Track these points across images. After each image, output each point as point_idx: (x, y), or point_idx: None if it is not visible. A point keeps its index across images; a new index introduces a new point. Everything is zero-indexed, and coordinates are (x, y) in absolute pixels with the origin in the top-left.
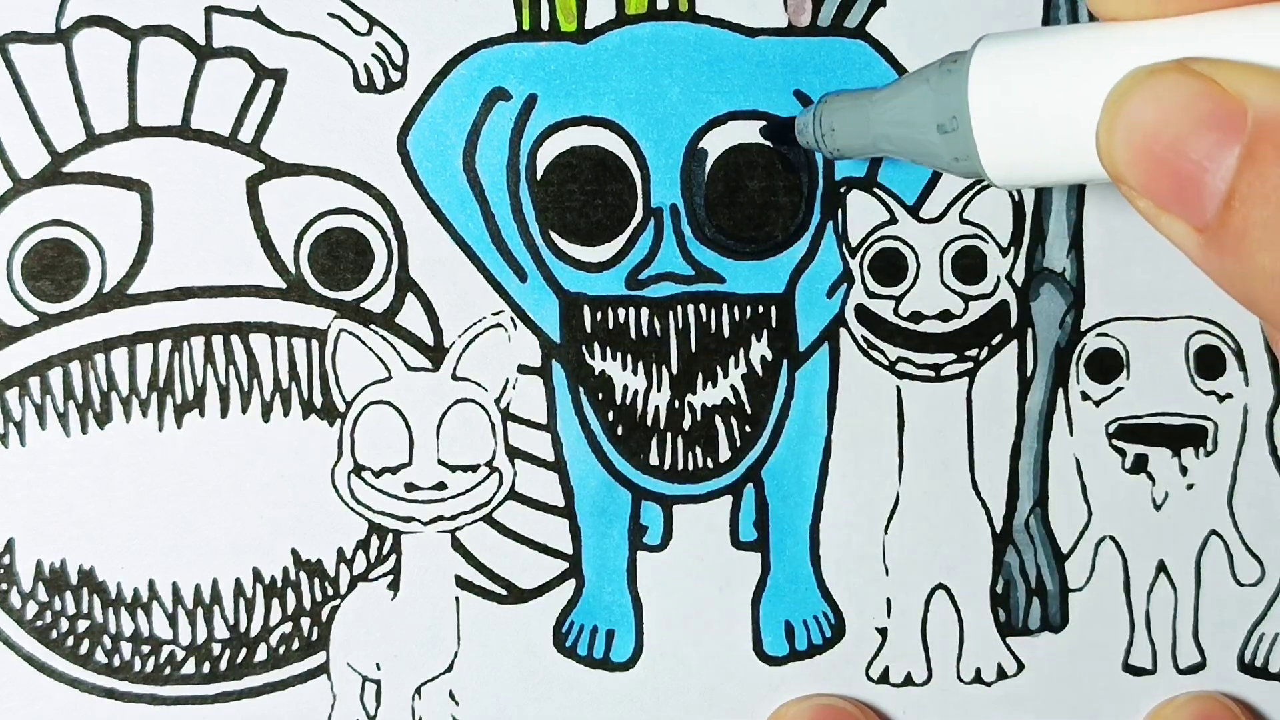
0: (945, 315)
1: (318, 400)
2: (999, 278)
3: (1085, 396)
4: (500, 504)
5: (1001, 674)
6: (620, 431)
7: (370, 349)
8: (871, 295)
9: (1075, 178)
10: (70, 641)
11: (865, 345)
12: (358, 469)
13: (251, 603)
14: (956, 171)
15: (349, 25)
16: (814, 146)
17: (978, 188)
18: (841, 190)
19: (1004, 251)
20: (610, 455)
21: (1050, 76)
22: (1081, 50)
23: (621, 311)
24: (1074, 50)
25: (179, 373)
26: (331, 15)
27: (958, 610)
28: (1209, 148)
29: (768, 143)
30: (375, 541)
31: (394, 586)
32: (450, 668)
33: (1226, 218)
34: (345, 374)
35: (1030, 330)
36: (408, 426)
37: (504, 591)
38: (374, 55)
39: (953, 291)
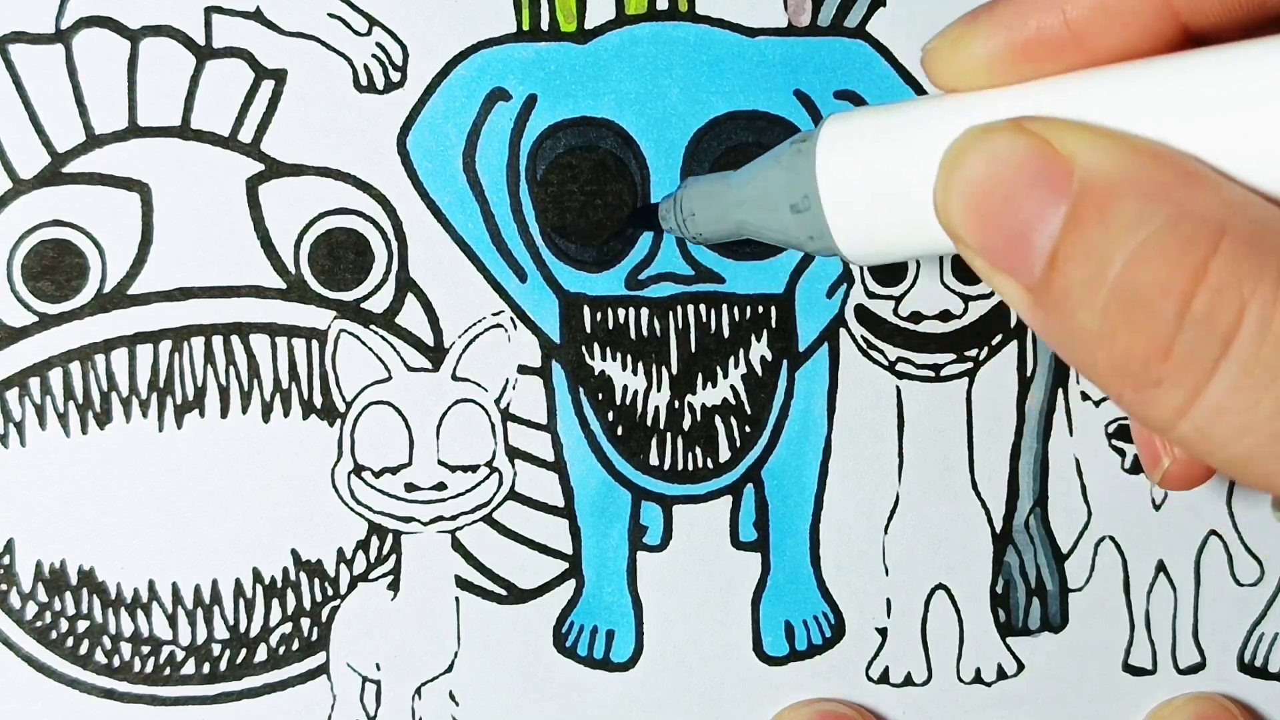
0: (945, 315)
1: (318, 400)
2: None
3: (1085, 396)
4: (500, 504)
5: (1001, 674)
6: (620, 432)
7: (370, 349)
8: (871, 295)
9: (926, 249)
10: (70, 642)
11: (865, 345)
12: (358, 469)
13: (251, 603)
14: (813, 250)
15: (349, 25)
16: (678, 232)
17: None
18: None
19: None
20: (610, 455)
21: (893, 149)
22: (921, 121)
23: (621, 312)
24: (914, 122)
25: (179, 373)
26: (331, 15)
27: (958, 610)
28: (1037, 206)
29: (638, 227)
30: (375, 542)
31: (394, 587)
32: (450, 668)
33: (1050, 277)
34: (345, 374)
35: (1030, 330)
36: (408, 427)
37: (504, 592)
38: (374, 55)
39: (952, 291)
